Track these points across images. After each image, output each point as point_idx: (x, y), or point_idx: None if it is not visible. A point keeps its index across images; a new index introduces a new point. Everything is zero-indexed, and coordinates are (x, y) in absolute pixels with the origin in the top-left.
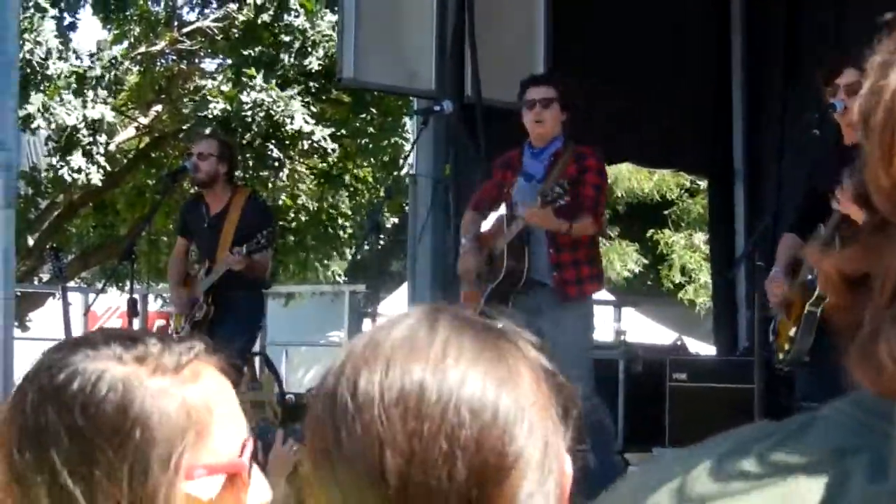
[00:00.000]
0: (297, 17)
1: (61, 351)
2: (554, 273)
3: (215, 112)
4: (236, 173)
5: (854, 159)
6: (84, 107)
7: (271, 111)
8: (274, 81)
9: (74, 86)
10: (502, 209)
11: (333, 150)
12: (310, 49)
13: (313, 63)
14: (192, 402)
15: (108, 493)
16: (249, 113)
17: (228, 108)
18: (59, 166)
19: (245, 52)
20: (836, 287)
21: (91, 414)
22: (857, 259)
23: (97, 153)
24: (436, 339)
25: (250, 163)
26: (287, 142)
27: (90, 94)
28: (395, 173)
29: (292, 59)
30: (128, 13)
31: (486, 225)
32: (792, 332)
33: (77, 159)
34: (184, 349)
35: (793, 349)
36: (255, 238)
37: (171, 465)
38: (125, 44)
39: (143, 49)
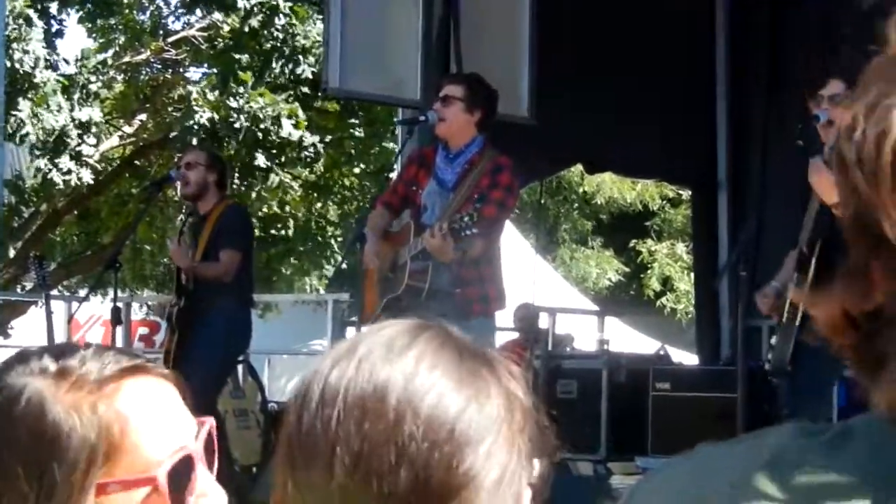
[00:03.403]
0: (290, 19)
1: (3, 366)
2: (457, 289)
3: (202, 121)
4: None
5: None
6: (72, 109)
7: (258, 115)
8: (264, 87)
9: (61, 94)
10: (409, 213)
11: (321, 156)
12: (300, 56)
13: (306, 70)
14: (106, 416)
15: None
16: (236, 117)
17: (215, 116)
18: (47, 169)
19: (237, 57)
20: (840, 328)
21: (6, 429)
22: (867, 297)
23: (86, 154)
24: (413, 348)
25: (237, 172)
26: (275, 150)
27: (77, 95)
28: (385, 175)
29: (282, 67)
30: (113, 22)
31: (396, 224)
32: (772, 340)
33: (66, 162)
34: (111, 361)
35: (774, 357)
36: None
37: (77, 481)
38: (110, 52)
39: (127, 58)
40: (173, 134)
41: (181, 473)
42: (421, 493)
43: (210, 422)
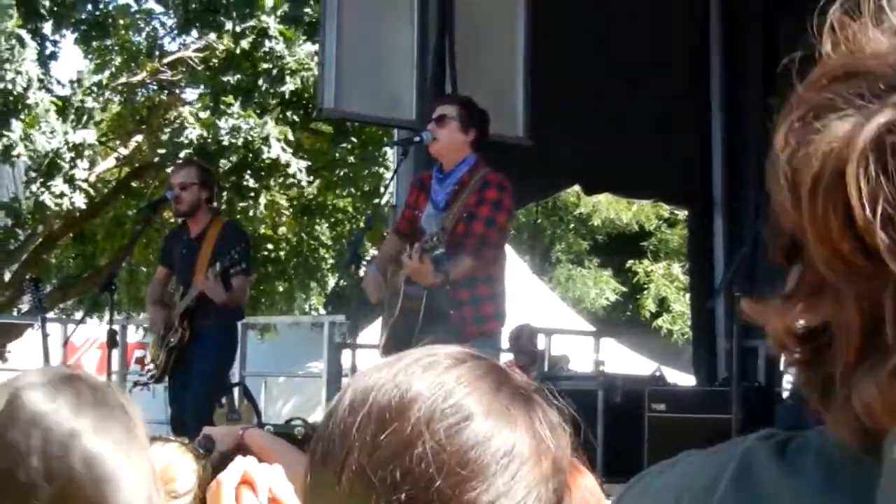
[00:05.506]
0: (277, 43)
1: None
2: (452, 311)
3: (191, 138)
4: (215, 202)
5: None
6: (66, 133)
7: (248, 137)
8: (251, 109)
9: (56, 115)
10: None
11: (310, 183)
12: (287, 76)
13: (289, 86)
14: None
15: None
16: (226, 138)
17: (205, 134)
18: (39, 192)
19: (224, 80)
20: (788, 344)
21: None
22: (809, 316)
23: (79, 178)
24: (453, 370)
25: (226, 195)
26: (263, 172)
27: (71, 116)
28: (376, 202)
29: (269, 86)
30: (109, 43)
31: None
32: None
33: (59, 185)
34: None
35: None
36: (228, 254)
37: None
38: (106, 73)
39: (123, 79)
40: (162, 152)
41: None
42: None
43: None
